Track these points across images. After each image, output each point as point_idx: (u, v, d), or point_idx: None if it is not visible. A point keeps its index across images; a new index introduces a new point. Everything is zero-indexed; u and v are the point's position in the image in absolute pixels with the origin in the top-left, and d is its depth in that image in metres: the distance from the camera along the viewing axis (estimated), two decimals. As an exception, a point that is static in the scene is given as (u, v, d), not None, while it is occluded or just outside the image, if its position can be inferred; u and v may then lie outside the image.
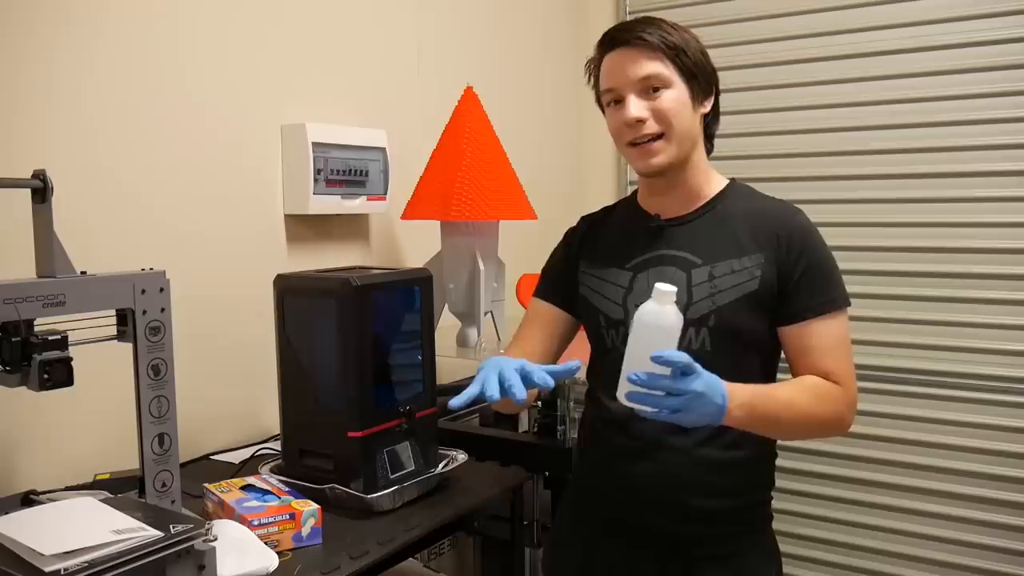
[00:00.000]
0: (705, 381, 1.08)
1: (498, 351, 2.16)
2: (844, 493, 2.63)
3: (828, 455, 2.63)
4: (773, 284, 1.26)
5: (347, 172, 1.97)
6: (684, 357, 1.04)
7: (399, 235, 2.27)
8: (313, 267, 1.69)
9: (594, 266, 1.39)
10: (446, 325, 2.10)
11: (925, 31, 2.43)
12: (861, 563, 2.61)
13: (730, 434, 1.24)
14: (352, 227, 2.12)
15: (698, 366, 1.07)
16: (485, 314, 2.11)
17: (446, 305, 2.14)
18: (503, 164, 2.09)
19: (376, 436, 1.47)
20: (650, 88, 1.25)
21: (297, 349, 1.53)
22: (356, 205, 2.01)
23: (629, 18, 2.85)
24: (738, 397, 1.13)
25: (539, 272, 1.50)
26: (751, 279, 1.26)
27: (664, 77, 1.25)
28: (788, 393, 1.22)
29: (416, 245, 2.25)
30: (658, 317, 1.08)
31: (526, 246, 2.41)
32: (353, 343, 1.46)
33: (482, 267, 2.07)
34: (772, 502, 1.38)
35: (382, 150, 2.06)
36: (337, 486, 1.44)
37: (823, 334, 1.25)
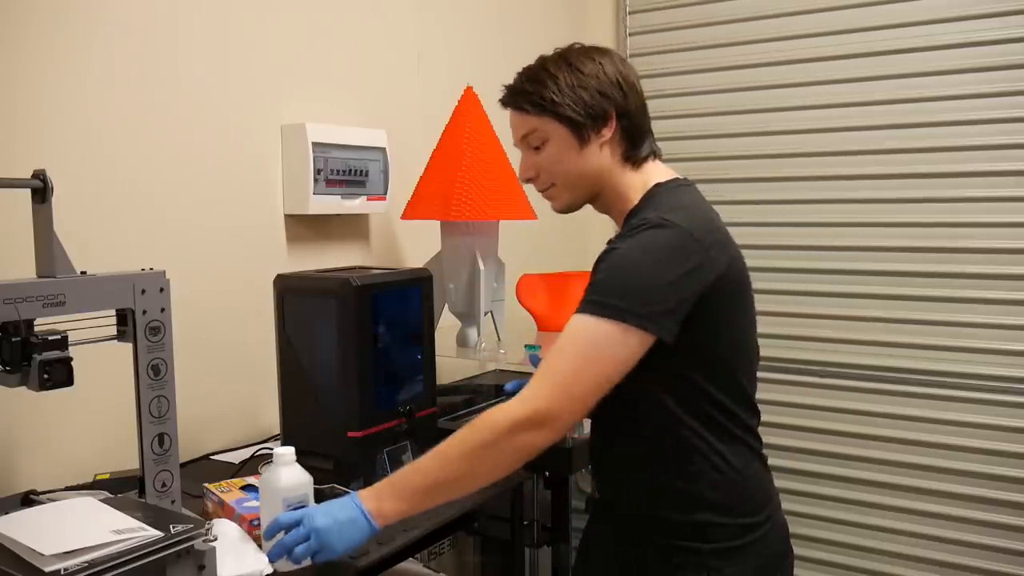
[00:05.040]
0: (318, 512, 1.12)
1: (498, 351, 2.17)
2: (843, 493, 2.63)
3: (828, 455, 2.63)
4: None
5: (347, 172, 1.97)
6: (280, 521, 1.12)
7: (399, 235, 2.27)
8: (313, 267, 1.69)
9: None
10: (446, 325, 2.10)
11: (925, 31, 2.43)
12: (860, 563, 2.61)
13: (680, 477, 1.18)
14: (352, 227, 2.12)
15: (302, 511, 1.12)
16: (485, 314, 2.11)
17: (446, 305, 2.14)
18: (503, 164, 2.09)
19: (376, 436, 1.48)
20: (532, 145, 1.27)
21: (297, 349, 1.53)
22: (356, 205, 2.01)
23: (629, 18, 2.84)
24: (367, 493, 1.14)
25: (539, 272, 1.50)
26: None
27: (540, 134, 1.25)
28: (434, 450, 1.15)
29: (416, 245, 2.25)
30: (267, 482, 1.19)
31: (526, 246, 2.41)
32: (353, 343, 1.46)
33: (482, 267, 2.07)
34: (749, 530, 1.21)
35: (382, 150, 2.06)
36: (337, 486, 1.44)
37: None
